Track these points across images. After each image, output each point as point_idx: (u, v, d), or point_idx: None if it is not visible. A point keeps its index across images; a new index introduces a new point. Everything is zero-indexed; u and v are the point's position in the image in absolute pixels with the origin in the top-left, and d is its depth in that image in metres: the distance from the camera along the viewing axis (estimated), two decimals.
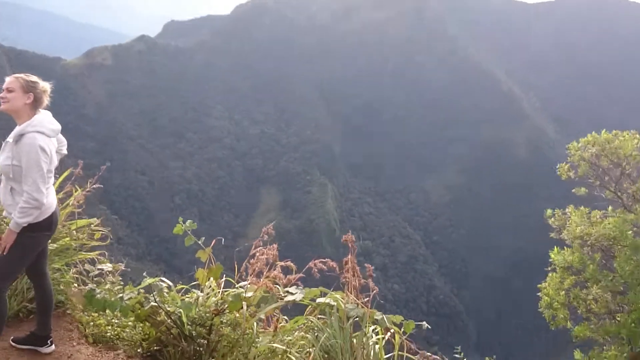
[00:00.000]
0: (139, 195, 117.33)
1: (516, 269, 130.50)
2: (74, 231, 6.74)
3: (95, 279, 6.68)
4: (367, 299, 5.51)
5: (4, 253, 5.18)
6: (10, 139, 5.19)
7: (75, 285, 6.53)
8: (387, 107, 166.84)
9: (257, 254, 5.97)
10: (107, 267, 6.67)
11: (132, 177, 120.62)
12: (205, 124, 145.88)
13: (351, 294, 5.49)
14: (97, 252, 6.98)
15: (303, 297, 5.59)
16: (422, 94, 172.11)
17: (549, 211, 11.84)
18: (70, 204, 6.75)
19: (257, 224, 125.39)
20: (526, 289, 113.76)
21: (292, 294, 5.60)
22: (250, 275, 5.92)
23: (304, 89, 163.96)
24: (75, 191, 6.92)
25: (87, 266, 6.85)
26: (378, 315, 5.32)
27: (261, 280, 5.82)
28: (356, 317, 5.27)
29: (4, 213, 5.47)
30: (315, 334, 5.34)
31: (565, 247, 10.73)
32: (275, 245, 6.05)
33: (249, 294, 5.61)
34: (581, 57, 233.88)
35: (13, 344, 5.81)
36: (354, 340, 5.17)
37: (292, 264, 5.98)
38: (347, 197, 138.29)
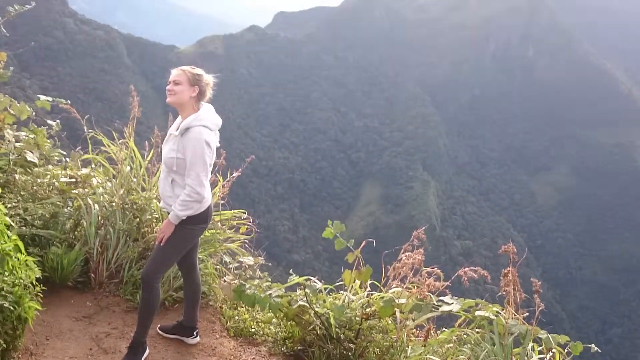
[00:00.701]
0: (242, 183, 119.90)
1: (625, 279, 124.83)
2: (219, 223, 6.76)
3: (235, 271, 6.68)
4: (527, 314, 5.20)
5: (162, 244, 5.22)
6: (175, 131, 5.20)
7: (225, 279, 6.55)
8: (495, 104, 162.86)
9: (404, 258, 5.68)
10: (249, 260, 6.64)
11: (237, 165, 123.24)
12: (311, 115, 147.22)
13: (511, 308, 5.17)
14: (237, 243, 6.99)
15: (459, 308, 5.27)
16: (532, 91, 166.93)
17: None
18: (216, 194, 6.78)
19: (357, 216, 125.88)
20: (635, 299, 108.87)
21: (447, 303, 5.32)
22: (396, 280, 5.71)
23: (410, 83, 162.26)
24: (220, 181, 6.96)
25: (227, 258, 6.86)
26: (542, 334, 4.99)
27: (405, 285, 5.59)
28: (517, 334, 4.94)
29: (161, 204, 5.47)
30: (473, 348, 5.05)
31: None
32: (421, 250, 5.74)
33: (402, 301, 5.37)
34: None
35: (160, 332, 5.87)
36: (514, 359, 4.85)
37: (439, 270, 5.65)
38: (450, 195, 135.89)
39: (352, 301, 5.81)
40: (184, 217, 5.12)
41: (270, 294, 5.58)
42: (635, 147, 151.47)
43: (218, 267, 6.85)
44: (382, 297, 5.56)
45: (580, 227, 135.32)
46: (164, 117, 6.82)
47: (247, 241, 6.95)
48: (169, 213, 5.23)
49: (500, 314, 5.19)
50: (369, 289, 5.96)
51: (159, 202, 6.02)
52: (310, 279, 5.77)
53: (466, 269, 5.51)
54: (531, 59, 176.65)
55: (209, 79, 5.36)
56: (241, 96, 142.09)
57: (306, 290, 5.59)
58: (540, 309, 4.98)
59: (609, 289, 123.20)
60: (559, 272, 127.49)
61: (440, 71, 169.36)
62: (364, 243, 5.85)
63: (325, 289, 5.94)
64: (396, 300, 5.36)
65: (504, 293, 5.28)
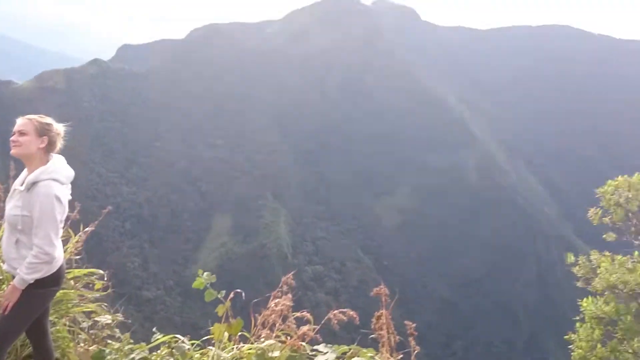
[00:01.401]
0: (88, 222, 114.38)
1: (465, 293, 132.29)
2: (72, 281, 6.21)
3: (91, 332, 6.14)
4: (401, 356, 5.17)
5: (6, 313, 4.66)
6: (20, 185, 4.68)
7: (81, 344, 5.98)
8: (339, 131, 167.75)
9: (272, 305, 5.68)
10: (105, 319, 6.14)
11: (83, 203, 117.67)
12: (159, 148, 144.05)
13: (386, 352, 5.10)
14: (95, 304, 6.43)
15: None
16: (373, 117, 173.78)
17: (571, 257, 11.04)
18: (68, 250, 6.22)
19: (208, 248, 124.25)
20: (475, 312, 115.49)
21: (322, 352, 5.15)
22: (265, 329, 5.59)
23: (257, 113, 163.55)
24: (73, 236, 6.40)
25: (81, 318, 6.30)
26: None
27: (274, 333, 5.50)
28: None
29: (5, 267, 4.94)
30: None
31: (595, 296, 10.04)
32: (289, 296, 5.79)
33: (275, 354, 5.13)
34: (530, 84, 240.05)
35: None
36: None
37: (309, 314, 5.59)
38: (300, 221, 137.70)
39: (222, 358, 5.42)
40: (32, 281, 4.63)
41: (133, 359, 5.14)
42: (468, 168, 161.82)
43: (71, 328, 6.26)
44: (255, 350, 5.29)
45: (422, 246, 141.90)
46: (3, 168, 6.20)
47: (103, 298, 6.43)
48: (14, 277, 4.69)
49: (374, 359, 5.10)
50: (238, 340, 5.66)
51: (3, 265, 5.39)
52: (176, 338, 5.40)
53: (335, 311, 5.46)
54: (370, 86, 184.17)
55: (59, 128, 4.91)
56: (84, 131, 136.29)
57: (174, 351, 5.21)
58: (415, 351, 4.93)
59: (451, 304, 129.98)
60: (405, 290, 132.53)
61: (286, 100, 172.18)
62: (232, 294, 5.63)
63: (193, 343, 5.55)
64: (269, 354, 5.14)
65: (378, 336, 5.19)
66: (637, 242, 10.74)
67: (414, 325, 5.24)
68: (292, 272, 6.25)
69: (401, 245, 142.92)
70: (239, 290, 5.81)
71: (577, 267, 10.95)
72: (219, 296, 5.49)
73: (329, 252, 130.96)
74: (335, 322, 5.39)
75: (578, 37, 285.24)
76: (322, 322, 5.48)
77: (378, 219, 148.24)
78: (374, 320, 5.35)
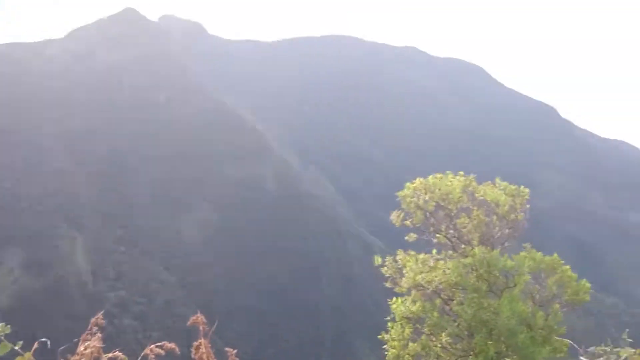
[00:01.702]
0: None
1: (272, 300, 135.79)
2: None
3: None
4: None
5: None
6: None
7: None
8: (135, 151, 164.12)
9: (81, 349, 5.36)
10: None
11: None
12: None
13: None
14: None
15: None
16: (169, 134, 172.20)
17: (379, 259, 11.53)
18: None
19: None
20: (282, 318, 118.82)
21: None
22: None
23: (45, 138, 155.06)
24: None
25: None
26: None
27: None
28: None
29: None
30: None
31: (401, 296, 10.67)
32: (99, 335, 5.54)
33: None
34: (317, 92, 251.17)
35: None
36: None
37: (121, 354, 5.26)
38: (99, 248, 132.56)
39: None
40: None
41: None
42: (266, 177, 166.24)
43: None
44: None
45: (227, 258, 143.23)
46: None
47: None
48: None
49: None
50: None
51: None
52: None
53: (152, 346, 5.19)
54: (163, 103, 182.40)
55: None
56: None
57: None
58: None
59: (259, 312, 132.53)
60: (213, 304, 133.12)
61: (76, 122, 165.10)
62: (36, 344, 5.38)
63: None
64: None
65: None
66: (435, 240, 11.38)
67: (235, 351, 5.53)
68: (100, 313, 5.85)
69: (206, 259, 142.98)
70: (43, 339, 5.49)
71: (384, 268, 11.26)
72: (16, 348, 5.04)
73: (131, 275, 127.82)
74: (153, 357, 5.16)
75: (358, 46, 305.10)
76: (139, 358, 5.19)
77: (180, 236, 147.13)
78: (193, 350, 5.29)
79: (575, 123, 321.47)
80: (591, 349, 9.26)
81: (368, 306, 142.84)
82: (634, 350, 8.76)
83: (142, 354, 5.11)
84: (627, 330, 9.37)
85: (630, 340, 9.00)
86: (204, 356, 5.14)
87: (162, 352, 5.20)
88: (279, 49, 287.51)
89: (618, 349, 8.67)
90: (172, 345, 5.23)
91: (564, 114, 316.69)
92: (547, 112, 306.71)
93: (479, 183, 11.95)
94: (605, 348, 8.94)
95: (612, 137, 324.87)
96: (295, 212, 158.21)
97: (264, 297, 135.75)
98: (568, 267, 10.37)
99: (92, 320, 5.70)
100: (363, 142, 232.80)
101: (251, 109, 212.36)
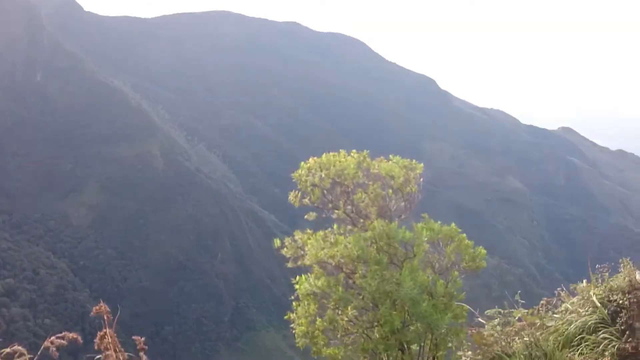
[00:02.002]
0: None
1: (168, 279, 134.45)
2: None
3: None
4: None
5: None
6: None
7: None
8: (11, 133, 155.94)
9: None
10: None
11: None
12: None
13: None
14: None
15: None
16: (48, 115, 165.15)
17: (278, 241, 11.39)
18: None
19: None
20: (179, 296, 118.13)
21: None
22: None
23: None
24: None
25: None
26: None
27: None
28: None
29: None
30: None
31: (305, 274, 10.77)
32: None
33: None
34: (199, 68, 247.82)
35: None
36: None
37: (21, 348, 4.85)
38: None
39: None
40: None
41: None
42: (153, 156, 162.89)
43: None
44: None
45: (118, 240, 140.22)
46: None
47: None
48: None
49: None
50: None
51: None
52: None
53: (52, 337, 4.86)
54: (41, 83, 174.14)
55: None
56: None
57: None
58: None
59: (155, 292, 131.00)
60: (106, 287, 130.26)
61: None
62: None
63: None
64: None
65: (105, 357, 5.03)
66: (334, 217, 11.27)
67: (143, 339, 5.32)
68: None
69: (96, 242, 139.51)
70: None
71: (284, 249, 11.23)
72: None
73: (18, 262, 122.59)
74: (55, 349, 4.85)
75: (240, 21, 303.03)
76: (40, 351, 4.93)
77: (67, 220, 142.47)
78: (97, 340, 5.13)
79: (454, 94, 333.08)
80: (488, 311, 9.80)
81: (264, 280, 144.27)
82: (526, 310, 9.40)
83: (43, 346, 4.76)
84: (519, 291, 10.05)
85: (523, 301, 9.59)
86: (109, 346, 4.88)
87: (65, 342, 4.89)
88: (157, 25, 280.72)
89: (512, 310, 9.28)
90: (74, 335, 4.94)
91: (443, 85, 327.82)
92: (426, 84, 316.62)
93: (372, 158, 12.24)
94: (500, 309, 9.51)
95: (489, 107, 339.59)
96: (185, 189, 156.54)
97: (159, 276, 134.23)
98: (464, 235, 10.93)
99: None
100: (250, 119, 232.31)
101: (133, 87, 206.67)
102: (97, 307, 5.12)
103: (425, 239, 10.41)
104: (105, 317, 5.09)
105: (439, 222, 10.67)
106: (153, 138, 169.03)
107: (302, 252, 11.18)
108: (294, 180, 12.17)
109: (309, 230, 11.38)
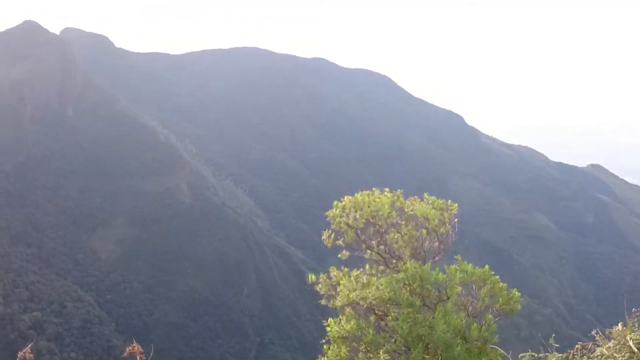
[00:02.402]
0: None
1: (193, 314, 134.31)
2: None
3: None
4: None
5: None
6: None
7: None
8: (42, 168, 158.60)
9: None
10: None
11: None
12: None
13: None
14: None
15: None
16: (78, 149, 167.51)
17: (312, 276, 11.38)
18: None
19: None
20: (204, 331, 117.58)
21: None
22: None
23: None
24: None
25: None
26: None
27: None
28: None
29: None
30: None
31: (337, 316, 10.70)
32: None
33: None
34: (227, 104, 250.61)
35: None
36: None
37: None
38: (8, 268, 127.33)
39: None
40: None
41: None
42: (181, 190, 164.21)
43: None
44: None
45: (145, 273, 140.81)
46: None
47: None
48: None
49: None
50: None
51: None
52: None
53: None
54: (72, 117, 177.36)
55: None
56: None
57: None
58: None
59: (180, 326, 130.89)
60: (132, 321, 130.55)
61: None
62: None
63: None
64: None
65: None
66: (367, 256, 11.16)
67: None
68: (29, 345, 5.86)
69: (123, 276, 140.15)
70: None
71: (319, 286, 11.18)
72: None
73: (46, 295, 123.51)
74: None
75: (267, 57, 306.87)
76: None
77: (95, 253, 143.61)
78: None
79: (481, 130, 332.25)
80: (521, 355, 9.72)
81: (290, 316, 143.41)
82: (560, 354, 9.34)
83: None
84: (554, 335, 9.95)
85: (557, 345, 9.52)
86: None
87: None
88: (186, 61, 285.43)
89: (547, 354, 9.23)
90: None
91: (470, 121, 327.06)
92: (454, 119, 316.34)
93: (405, 197, 12.29)
94: (534, 354, 9.46)
95: (516, 143, 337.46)
96: (212, 224, 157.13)
97: (185, 311, 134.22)
98: (497, 277, 10.86)
99: (20, 354, 5.64)
100: (277, 154, 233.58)
101: (162, 122, 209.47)
102: (130, 348, 5.36)
103: (458, 281, 10.40)
104: (138, 358, 5.13)
105: (471, 265, 10.64)
106: (181, 172, 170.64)
107: (334, 291, 11.08)
108: (327, 220, 12.05)
109: (344, 268, 11.32)
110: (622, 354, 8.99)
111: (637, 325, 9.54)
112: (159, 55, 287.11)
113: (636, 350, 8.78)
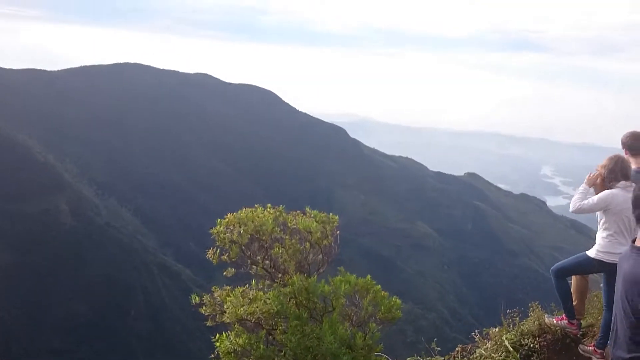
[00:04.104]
0: None
1: (76, 339, 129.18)
2: None
3: None
4: None
5: None
6: None
7: None
8: None
9: None
10: None
11: None
12: None
13: None
14: None
15: None
16: None
17: (196, 297, 11.17)
18: None
19: None
20: (91, 356, 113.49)
21: None
22: None
23: None
24: None
25: None
26: None
27: None
28: None
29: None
30: None
31: (225, 332, 10.67)
32: None
33: None
34: (110, 121, 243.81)
35: None
36: None
37: None
38: None
39: None
40: None
41: None
42: (61, 211, 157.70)
43: None
44: None
45: (25, 299, 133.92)
46: None
47: None
48: None
49: None
50: None
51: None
52: None
53: None
54: None
55: None
56: None
57: None
58: None
59: (64, 352, 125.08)
60: (13, 351, 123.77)
61: None
62: None
63: None
64: None
65: None
66: (252, 272, 11.29)
67: None
68: None
69: (1, 302, 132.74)
70: None
71: (203, 308, 11.06)
72: None
73: None
74: None
75: (148, 73, 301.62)
76: None
77: None
78: None
79: (364, 142, 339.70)
80: None
81: (179, 335, 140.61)
82: (442, 357, 9.93)
83: None
84: (435, 339, 10.48)
85: (439, 348, 10.08)
86: None
87: None
88: (64, 77, 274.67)
89: (430, 358, 9.80)
90: None
91: (352, 133, 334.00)
92: (337, 132, 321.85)
93: (288, 210, 12.60)
94: (418, 358, 9.98)
95: (397, 154, 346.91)
96: (95, 245, 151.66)
97: (69, 336, 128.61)
98: (379, 286, 11.24)
99: None
100: (164, 169, 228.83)
101: (39, 141, 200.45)
102: None
103: (343, 292, 10.74)
104: None
105: (354, 275, 11.03)
106: (60, 193, 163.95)
107: (220, 309, 11.07)
108: (212, 237, 11.96)
109: (227, 287, 11.28)
110: (499, 353, 9.68)
111: (511, 326, 10.24)
112: (35, 71, 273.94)
113: (511, 349, 9.46)
